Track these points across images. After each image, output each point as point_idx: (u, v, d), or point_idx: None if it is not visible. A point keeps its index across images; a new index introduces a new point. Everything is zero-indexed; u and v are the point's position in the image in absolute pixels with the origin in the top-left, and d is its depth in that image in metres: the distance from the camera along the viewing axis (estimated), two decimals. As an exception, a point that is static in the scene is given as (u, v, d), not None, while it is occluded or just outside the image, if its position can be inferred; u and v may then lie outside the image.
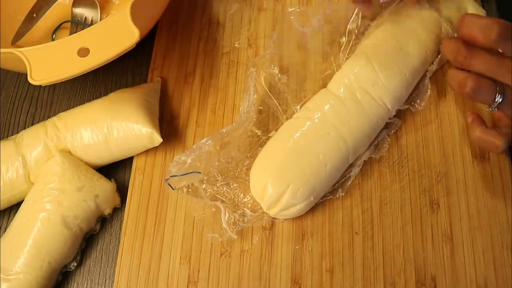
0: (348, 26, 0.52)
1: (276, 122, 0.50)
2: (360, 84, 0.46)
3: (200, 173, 0.45)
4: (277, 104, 0.51)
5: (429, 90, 0.48)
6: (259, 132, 0.49)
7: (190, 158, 0.44)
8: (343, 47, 0.52)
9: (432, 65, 0.48)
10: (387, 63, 0.46)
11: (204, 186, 0.46)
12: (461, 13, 0.49)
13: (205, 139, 0.45)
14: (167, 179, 0.44)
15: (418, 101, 0.48)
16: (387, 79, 0.46)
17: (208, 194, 0.46)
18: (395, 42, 0.47)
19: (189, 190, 0.47)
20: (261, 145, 0.48)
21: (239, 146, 0.47)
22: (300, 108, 0.49)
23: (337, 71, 0.50)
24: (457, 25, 0.42)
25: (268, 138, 0.48)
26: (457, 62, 0.43)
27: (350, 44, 0.52)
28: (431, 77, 0.48)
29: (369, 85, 0.46)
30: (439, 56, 0.48)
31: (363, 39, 0.50)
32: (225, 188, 0.47)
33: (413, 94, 0.49)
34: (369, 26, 0.52)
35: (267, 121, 0.50)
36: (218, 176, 0.47)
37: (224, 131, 0.46)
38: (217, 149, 0.46)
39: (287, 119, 0.49)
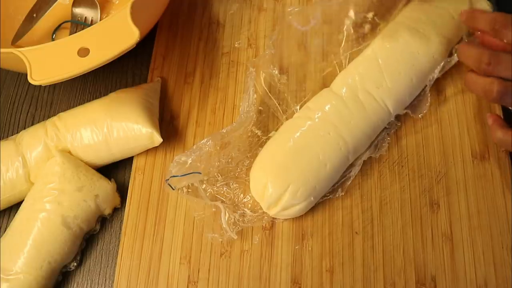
0: (345, 22, 0.52)
1: (276, 122, 0.50)
2: (364, 85, 0.46)
3: (200, 173, 0.45)
4: (277, 104, 0.51)
5: (429, 100, 0.48)
6: (259, 132, 0.49)
7: (190, 159, 0.44)
8: (343, 44, 0.52)
9: (433, 73, 0.48)
10: (394, 66, 0.46)
11: (204, 186, 0.46)
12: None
13: (205, 140, 0.45)
14: (167, 180, 0.44)
15: (418, 109, 0.48)
16: (392, 82, 0.46)
17: (208, 194, 0.46)
18: (406, 45, 0.47)
19: (189, 190, 0.46)
20: (261, 145, 0.48)
21: (239, 146, 0.47)
22: (300, 108, 0.49)
23: (338, 68, 0.50)
24: (462, 19, 0.45)
25: (268, 138, 0.48)
26: (480, 70, 0.43)
27: (350, 39, 0.51)
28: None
29: (373, 87, 0.46)
30: (441, 64, 0.48)
31: (374, 40, 0.49)
32: (225, 188, 0.47)
33: (414, 100, 0.49)
34: (365, 18, 0.52)
35: (267, 121, 0.50)
36: (218, 176, 0.47)
37: (224, 131, 0.46)
38: (217, 149, 0.46)
39: (287, 119, 0.49)
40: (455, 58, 0.48)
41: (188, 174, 0.44)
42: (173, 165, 0.44)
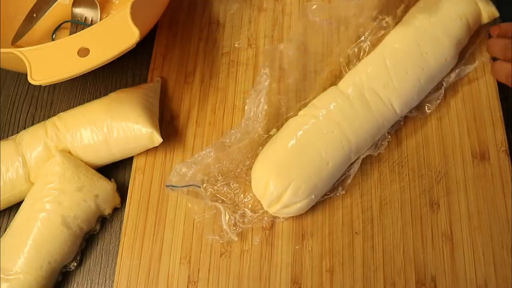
0: (351, 21, 0.52)
1: (277, 120, 0.50)
2: (371, 84, 0.46)
3: (200, 187, 0.45)
4: (281, 102, 0.50)
5: (440, 97, 0.48)
6: (260, 131, 0.49)
7: (191, 171, 0.44)
8: (348, 41, 0.52)
9: (450, 76, 0.48)
10: (402, 66, 0.46)
11: (204, 185, 0.46)
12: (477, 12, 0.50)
13: (208, 150, 0.45)
14: (168, 186, 0.44)
15: (427, 105, 0.48)
16: (399, 82, 0.46)
17: (208, 194, 0.46)
18: (415, 46, 0.47)
19: (189, 189, 0.46)
20: (262, 144, 0.48)
21: (240, 147, 0.47)
22: (304, 105, 0.49)
23: (343, 66, 0.50)
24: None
25: (269, 137, 0.48)
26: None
27: (356, 36, 0.52)
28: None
29: (380, 86, 0.46)
30: (457, 70, 0.48)
31: (383, 41, 0.49)
32: (225, 188, 0.47)
33: (424, 100, 0.49)
34: (369, 16, 0.52)
35: (269, 119, 0.50)
36: (219, 176, 0.47)
37: (228, 141, 0.46)
38: (218, 157, 0.46)
39: (290, 116, 0.49)
40: (472, 66, 0.49)
41: (188, 186, 0.45)
42: (173, 174, 0.44)
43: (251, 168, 0.47)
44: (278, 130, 0.48)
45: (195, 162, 0.45)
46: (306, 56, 0.53)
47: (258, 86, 0.48)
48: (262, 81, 0.48)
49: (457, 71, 0.49)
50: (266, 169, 0.45)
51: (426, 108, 0.49)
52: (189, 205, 0.47)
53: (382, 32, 0.52)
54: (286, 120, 0.48)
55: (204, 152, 0.46)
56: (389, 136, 0.47)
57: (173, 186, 0.44)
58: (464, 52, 0.50)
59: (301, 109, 0.49)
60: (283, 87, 0.51)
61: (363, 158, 0.47)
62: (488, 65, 0.51)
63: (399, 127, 0.49)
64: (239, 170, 0.47)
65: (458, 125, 0.49)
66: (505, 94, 0.50)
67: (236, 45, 0.55)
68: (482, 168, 0.47)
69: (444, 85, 0.48)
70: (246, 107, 0.48)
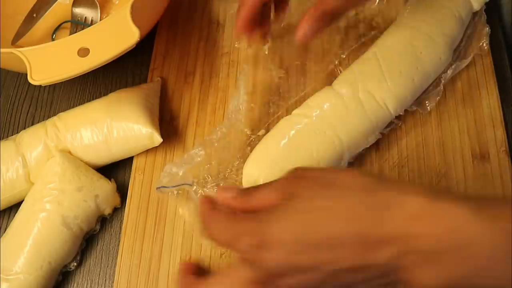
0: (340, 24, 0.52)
1: (266, 120, 0.50)
2: (365, 85, 0.46)
3: (191, 184, 0.45)
4: (273, 101, 0.50)
5: (440, 94, 0.48)
6: (248, 131, 0.49)
7: (181, 171, 0.44)
8: (341, 43, 0.52)
9: (447, 73, 0.48)
10: (395, 66, 0.46)
11: (194, 188, 0.46)
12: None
13: (197, 149, 0.45)
14: (158, 188, 0.44)
15: (427, 102, 0.48)
16: (393, 82, 0.46)
17: (198, 196, 0.46)
18: (409, 46, 0.47)
19: (179, 192, 0.46)
20: (250, 144, 0.48)
21: (229, 147, 0.47)
22: (298, 104, 0.49)
23: (337, 67, 0.50)
24: None
25: (257, 137, 0.48)
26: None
27: (348, 38, 0.52)
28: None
29: (374, 87, 0.46)
30: (453, 66, 0.48)
31: (376, 41, 0.50)
32: (215, 189, 0.46)
33: (422, 96, 0.49)
34: (357, 19, 0.52)
35: (257, 119, 0.50)
36: (208, 178, 0.46)
37: (215, 137, 0.46)
38: (207, 152, 0.46)
39: (283, 115, 0.49)
40: (467, 60, 0.49)
41: (179, 185, 0.44)
42: (163, 174, 0.44)
43: (240, 169, 0.46)
44: (266, 130, 0.48)
45: (185, 161, 0.45)
46: (296, 56, 0.53)
47: (238, 82, 0.48)
48: (241, 77, 0.48)
49: (453, 66, 0.49)
50: (258, 167, 0.44)
51: (426, 104, 0.49)
52: (186, 206, 0.47)
53: (373, 32, 0.53)
54: (275, 120, 0.49)
55: (193, 151, 0.45)
56: (380, 134, 0.47)
57: (164, 187, 0.44)
58: (458, 46, 0.50)
59: (289, 109, 0.49)
60: (272, 88, 0.51)
61: (363, 159, 0.47)
62: (486, 60, 0.51)
63: (399, 127, 0.49)
64: (228, 171, 0.47)
65: (458, 125, 0.49)
66: (505, 94, 0.50)
67: (236, 45, 0.55)
68: (482, 168, 0.47)
69: (443, 81, 0.48)
70: (229, 106, 0.48)
